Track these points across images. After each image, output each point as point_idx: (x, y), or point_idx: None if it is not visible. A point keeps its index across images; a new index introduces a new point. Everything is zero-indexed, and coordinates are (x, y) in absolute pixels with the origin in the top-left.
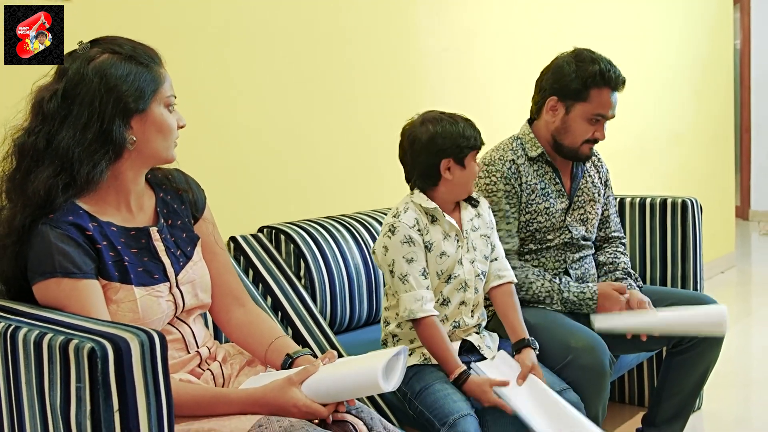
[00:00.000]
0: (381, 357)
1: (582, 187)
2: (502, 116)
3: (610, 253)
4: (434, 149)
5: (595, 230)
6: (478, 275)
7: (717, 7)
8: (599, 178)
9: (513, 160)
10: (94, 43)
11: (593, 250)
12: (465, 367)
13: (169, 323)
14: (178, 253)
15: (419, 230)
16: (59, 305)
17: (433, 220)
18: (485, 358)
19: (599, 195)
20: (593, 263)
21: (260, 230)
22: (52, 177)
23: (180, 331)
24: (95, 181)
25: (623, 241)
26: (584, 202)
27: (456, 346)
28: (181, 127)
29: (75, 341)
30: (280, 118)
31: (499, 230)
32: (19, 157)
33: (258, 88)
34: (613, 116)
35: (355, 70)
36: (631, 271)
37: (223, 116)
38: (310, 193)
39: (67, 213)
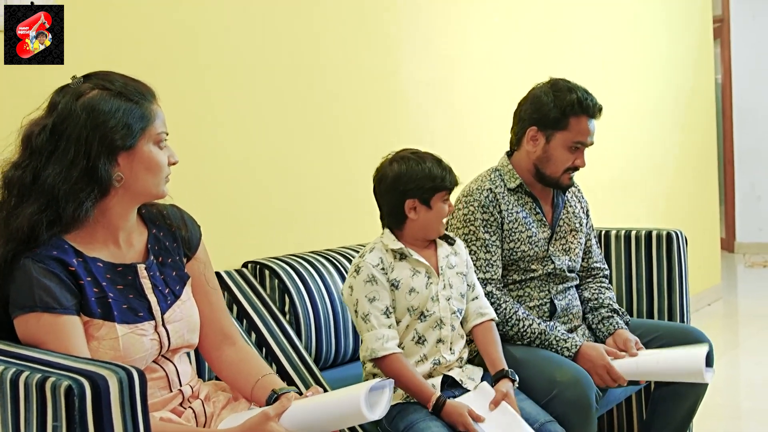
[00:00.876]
0: (363, 386)
1: (563, 216)
2: (485, 147)
3: (595, 289)
4: (399, 189)
5: (579, 261)
6: (454, 312)
7: (698, 42)
8: (581, 208)
9: (491, 189)
10: (86, 77)
11: (577, 281)
12: (439, 393)
13: (153, 361)
14: (167, 291)
15: (383, 269)
16: (38, 340)
17: (402, 257)
18: (468, 391)
19: (581, 225)
20: (576, 297)
21: (244, 265)
22: (36, 213)
23: (164, 369)
24: (81, 219)
25: (606, 273)
26: (566, 232)
27: (438, 381)
28: (173, 164)
29: (52, 379)
30: (263, 151)
31: (478, 260)
32: (6, 191)
33: (240, 122)
34: (592, 143)
35: (337, 102)
36: (617, 307)
37: (205, 151)
38: (294, 227)
39: (51, 248)
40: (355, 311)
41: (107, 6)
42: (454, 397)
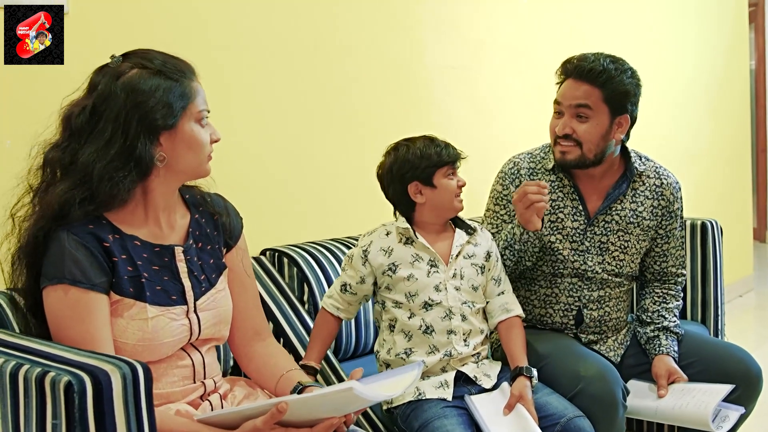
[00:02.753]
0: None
1: (614, 212)
2: (512, 134)
3: (657, 297)
4: (398, 177)
5: (626, 266)
6: (465, 303)
7: (732, 28)
8: (656, 206)
9: (516, 162)
10: (125, 56)
11: (623, 289)
12: (311, 367)
13: (182, 348)
14: (202, 277)
15: (366, 251)
16: (61, 313)
17: (408, 241)
18: (485, 389)
19: (639, 227)
20: (622, 306)
21: (263, 253)
22: (68, 190)
23: (192, 359)
24: (119, 197)
25: (680, 280)
26: (610, 229)
27: (451, 377)
28: (215, 141)
29: (52, 374)
30: (281, 137)
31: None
32: (45, 172)
33: (258, 107)
34: (570, 106)
35: (357, 87)
36: (669, 323)
37: (222, 137)
38: (313, 214)
39: (88, 222)
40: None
41: (103, 24)
42: (470, 394)
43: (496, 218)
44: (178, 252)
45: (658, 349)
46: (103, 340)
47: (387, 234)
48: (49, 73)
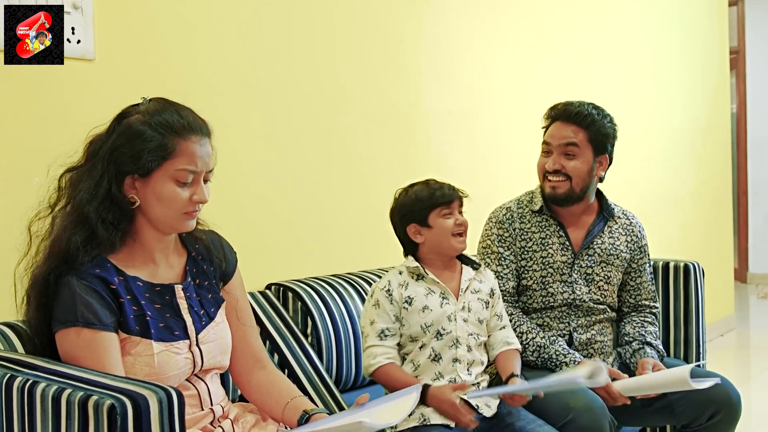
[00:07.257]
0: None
1: (596, 246)
2: (507, 177)
3: (636, 323)
4: (399, 219)
5: (609, 296)
6: (471, 334)
7: (715, 74)
8: (629, 242)
9: (509, 207)
10: (150, 101)
11: (606, 316)
12: (423, 383)
13: (186, 379)
14: (202, 312)
15: (388, 290)
16: (76, 354)
17: (419, 277)
18: (486, 417)
19: (618, 259)
20: (606, 332)
21: (268, 287)
22: (71, 235)
23: (196, 388)
24: (116, 241)
25: (654, 311)
26: (594, 261)
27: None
28: (198, 203)
29: (95, 397)
30: (287, 178)
31: (494, 272)
32: (59, 194)
33: (265, 149)
34: (560, 145)
35: (358, 132)
36: (651, 339)
37: (228, 172)
38: (317, 251)
39: (94, 266)
40: (362, 331)
41: (121, 37)
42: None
43: (503, 259)
44: (178, 290)
45: (643, 355)
46: (118, 374)
47: (400, 273)
48: (49, 73)
